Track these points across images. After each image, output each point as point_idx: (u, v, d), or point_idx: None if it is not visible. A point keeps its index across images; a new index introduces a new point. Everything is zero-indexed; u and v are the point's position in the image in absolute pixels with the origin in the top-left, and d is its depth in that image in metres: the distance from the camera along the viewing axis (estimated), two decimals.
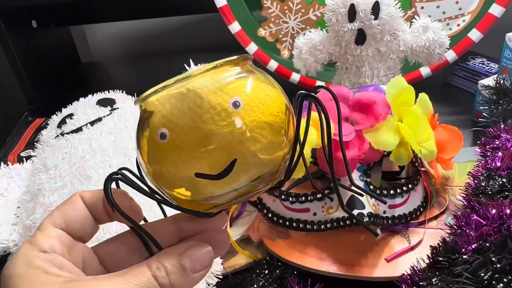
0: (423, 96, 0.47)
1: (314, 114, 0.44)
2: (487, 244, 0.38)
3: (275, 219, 0.48)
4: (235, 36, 0.77)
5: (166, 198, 0.25)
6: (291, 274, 0.43)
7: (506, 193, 0.44)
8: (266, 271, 0.44)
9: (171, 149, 0.23)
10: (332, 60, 0.65)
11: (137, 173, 0.27)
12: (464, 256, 0.39)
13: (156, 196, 0.26)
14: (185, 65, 0.62)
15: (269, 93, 0.24)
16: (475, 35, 0.72)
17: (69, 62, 1.07)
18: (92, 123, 0.60)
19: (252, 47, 0.77)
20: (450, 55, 0.73)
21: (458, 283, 0.37)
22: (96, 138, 0.56)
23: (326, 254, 0.45)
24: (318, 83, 0.77)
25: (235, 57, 0.24)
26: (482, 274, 0.36)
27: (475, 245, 0.40)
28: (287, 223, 0.47)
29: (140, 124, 0.25)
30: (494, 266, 0.36)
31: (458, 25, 0.74)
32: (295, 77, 0.77)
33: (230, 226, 0.49)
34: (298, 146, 0.25)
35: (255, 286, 0.43)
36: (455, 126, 0.52)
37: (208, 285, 0.43)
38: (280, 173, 0.25)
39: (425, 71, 0.75)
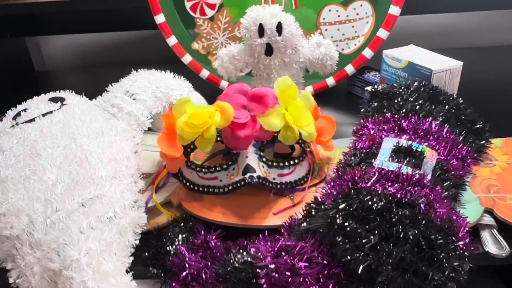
0: (306, 93, 0.62)
1: (219, 102, 0.58)
2: (340, 195, 0.53)
3: (192, 186, 0.61)
4: (172, 48, 0.90)
5: None
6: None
7: (362, 164, 0.59)
8: (182, 224, 0.57)
9: None
10: (251, 70, 0.79)
11: None
12: (325, 206, 0.54)
13: None
14: None
15: None
16: (367, 52, 0.89)
17: (23, 71, 1.16)
18: (44, 115, 0.71)
19: (187, 58, 0.90)
20: (349, 69, 0.90)
21: (316, 220, 0.51)
22: (47, 126, 0.67)
23: (229, 211, 0.58)
24: None
25: None
26: (330, 214, 0.50)
27: (334, 198, 0.54)
28: (200, 189, 0.60)
29: None
30: (338, 207, 0.50)
31: (355, 44, 0.91)
32: (224, 84, 0.91)
33: (156, 192, 0.61)
34: None
35: (170, 234, 0.55)
36: None
37: (135, 233, 0.55)
38: None
39: (330, 81, 0.91)
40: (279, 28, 0.72)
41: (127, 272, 0.52)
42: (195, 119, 0.56)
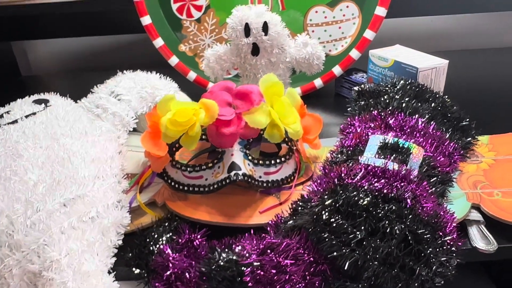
0: (291, 90, 0.62)
1: (204, 100, 0.57)
2: (326, 192, 0.52)
3: (177, 186, 0.60)
4: (159, 50, 0.89)
5: None
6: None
7: (348, 161, 0.59)
8: (166, 224, 0.56)
9: None
10: (237, 70, 0.79)
11: None
12: (312, 203, 0.53)
13: None
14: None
15: None
16: (354, 53, 0.89)
17: (9, 75, 1.15)
18: (27, 116, 0.70)
19: (174, 60, 0.90)
20: (337, 70, 0.90)
21: (302, 217, 0.50)
22: (30, 127, 0.66)
23: (214, 210, 0.57)
24: None
25: None
26: (316, 210, 0.49)
27: (320, 195, 0.54)
28: (186, 188, 0.59)
29: None
30: (324, 203, 0.49)
31: (342, 46, 0.91)
32: (210, 86, 0.90)
33: (140, 192, 0.60)
34: None
35: (153, 233, 0.54)
36: None
37: (118, 233, 0.54)
38: None
39: (318, 83, 0.91)
40: (265, 27, 0.72)
41: (109, 272, 0.51)
42: (179, 117, 0.55)
